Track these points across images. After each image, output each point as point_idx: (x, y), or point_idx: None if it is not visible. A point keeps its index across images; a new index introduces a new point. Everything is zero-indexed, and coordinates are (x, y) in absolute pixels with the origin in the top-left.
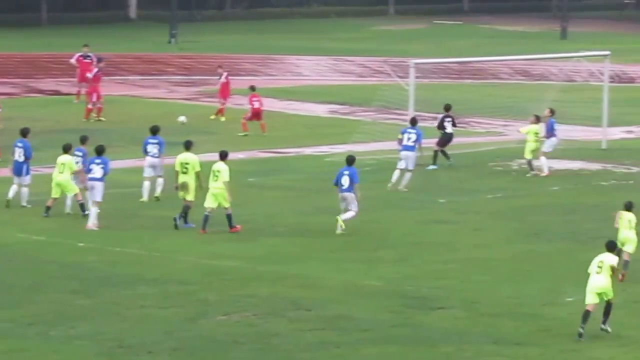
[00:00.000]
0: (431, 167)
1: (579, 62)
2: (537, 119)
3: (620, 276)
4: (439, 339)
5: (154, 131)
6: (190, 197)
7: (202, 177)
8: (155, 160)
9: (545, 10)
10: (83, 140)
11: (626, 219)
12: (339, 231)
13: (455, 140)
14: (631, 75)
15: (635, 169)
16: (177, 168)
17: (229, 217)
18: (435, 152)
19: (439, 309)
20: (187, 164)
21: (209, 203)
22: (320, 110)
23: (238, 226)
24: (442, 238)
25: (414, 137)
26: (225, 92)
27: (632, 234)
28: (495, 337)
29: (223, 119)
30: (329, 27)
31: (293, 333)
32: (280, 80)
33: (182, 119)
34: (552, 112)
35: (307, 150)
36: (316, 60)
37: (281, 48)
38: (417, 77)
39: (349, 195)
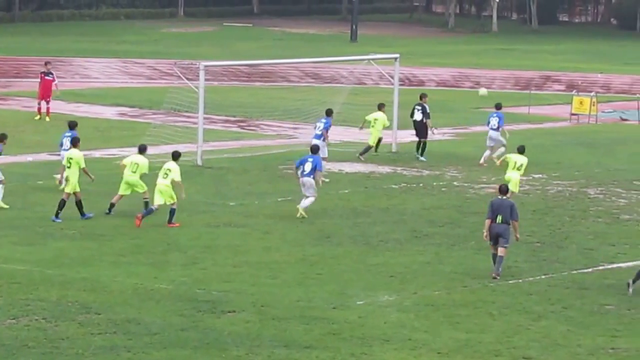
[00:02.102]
0: (421, 158)
1: (369, 64)
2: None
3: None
4: (229, 342)
5: (72, 126)
6: (68, 189)
7: (87, 171)
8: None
9: (335, 14)
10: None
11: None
12: (298, 215)
13: (245, 143)
14: (421, 78)
15: (425, 172)
16: (64, 162)
17: (172, 211)
18: (418, 142)
19: (229, 312)
20: (71, 158)
21: (157, 200)
22: (109, 112)
23: (177, 223)
24: (232, 241)
25: (321, 125)
26: (47, 91)
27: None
28: (286, 340)
29: (48, 119)
30: (118, 29)
31: (83, 337)
32: (69, 83)
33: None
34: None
35: (96, 153)
36: (105, 63)
37: (70, 50)
38: (207, 80)
39: (308, 181)
